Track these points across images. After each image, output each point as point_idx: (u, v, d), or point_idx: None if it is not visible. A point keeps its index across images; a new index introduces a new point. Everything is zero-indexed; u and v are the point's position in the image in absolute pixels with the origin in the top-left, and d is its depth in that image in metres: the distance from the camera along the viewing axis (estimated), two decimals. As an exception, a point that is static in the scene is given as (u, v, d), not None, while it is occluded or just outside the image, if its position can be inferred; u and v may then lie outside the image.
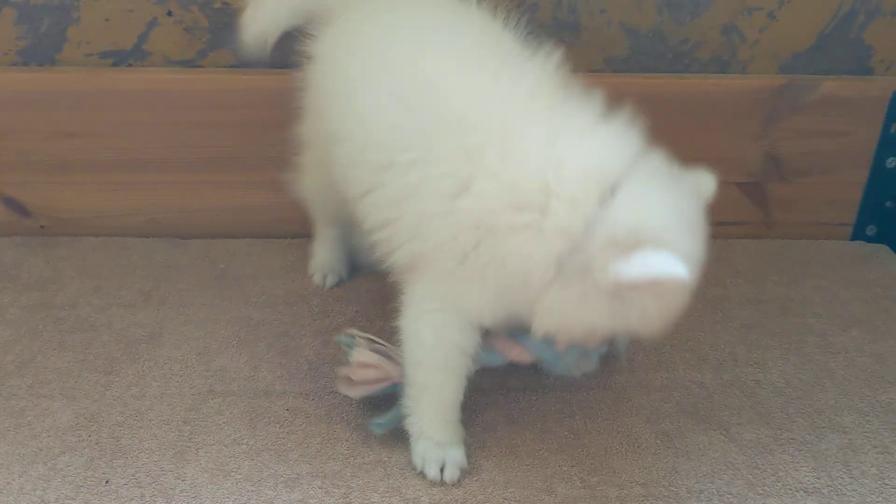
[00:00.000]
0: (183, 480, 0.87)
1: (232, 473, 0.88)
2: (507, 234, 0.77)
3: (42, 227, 1.24)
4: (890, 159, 1.27)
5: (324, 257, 1.18)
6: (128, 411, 0.96)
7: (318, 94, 0.97)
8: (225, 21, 1.15)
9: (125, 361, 1.03)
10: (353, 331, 0.94)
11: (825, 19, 1.20)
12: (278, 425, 0.94)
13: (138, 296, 1.14)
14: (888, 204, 1.30)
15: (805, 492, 0.90)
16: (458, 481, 0.88)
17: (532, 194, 0.77)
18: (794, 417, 0.99)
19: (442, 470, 0.88)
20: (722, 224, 1.30)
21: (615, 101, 1.21)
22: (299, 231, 1.21)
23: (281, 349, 1.05)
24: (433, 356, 0.87)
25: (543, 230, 0.76)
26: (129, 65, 1.17)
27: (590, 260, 0.75)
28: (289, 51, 1.17)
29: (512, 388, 1.02)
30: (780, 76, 1.23)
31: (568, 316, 0.80)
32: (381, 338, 0.93)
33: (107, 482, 0.87)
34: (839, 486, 0.91)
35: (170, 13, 1.14)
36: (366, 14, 0.94)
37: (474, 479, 0.89)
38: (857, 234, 1.33)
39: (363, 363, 0.91)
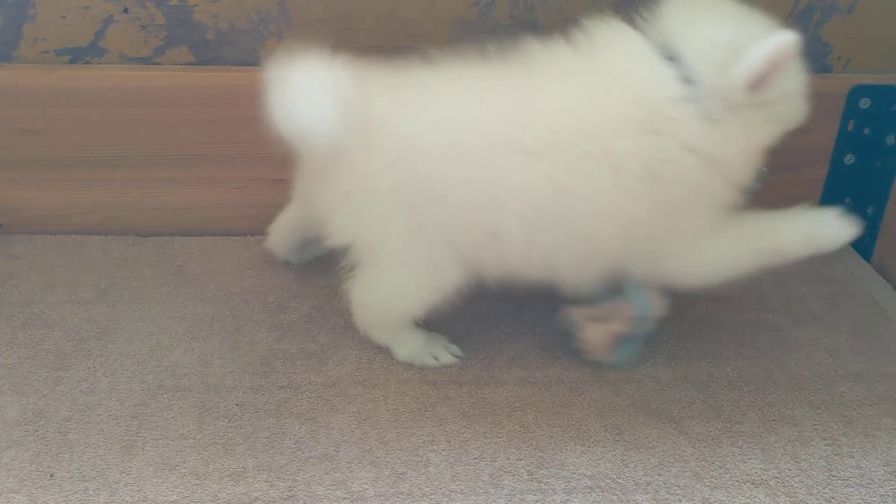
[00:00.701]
0: (128, 474, 0.87)
1: (178, 467, 0.88)
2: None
3: (0, 225, 1.23)
4: (848, 156, 1.28)
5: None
6: (76, 406, 0.95)
7: None
8: (182, 18, 1.15)
9: (76, 357, 1.02)
10: (568, 311, 1.04)
11: (782, 16, 1.20)
12: (227, 420, 0.94)
13: (93, 293, 1.13)
14: (847, 201, 1.31)
15: (752, 483, 0.90)
16: (403, 474, 0.88)
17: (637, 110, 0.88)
18: (744, 410, 1.00)
19: None
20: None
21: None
22: (257, 228, 1.21)
23: (233, 345, 1.05)
24: None
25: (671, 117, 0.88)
26: (87, 62, 1.17)
27: (717, 95, 0.87)
28: (246, 48, 1.18)
29: (465, 381, 1.02)
30: (737, 73, 1.23)
31: (742, 148, 0.92)
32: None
33: (51, 476, 0.86)
34: (786, 478, 0.91)
35: (126, 10, 1.14)
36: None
37: (421, 472, 0.89)
38: (818, 232, 1.33)
39: (595, 317, 1.03)
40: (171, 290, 1.15)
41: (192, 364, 1.02)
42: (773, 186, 1.28)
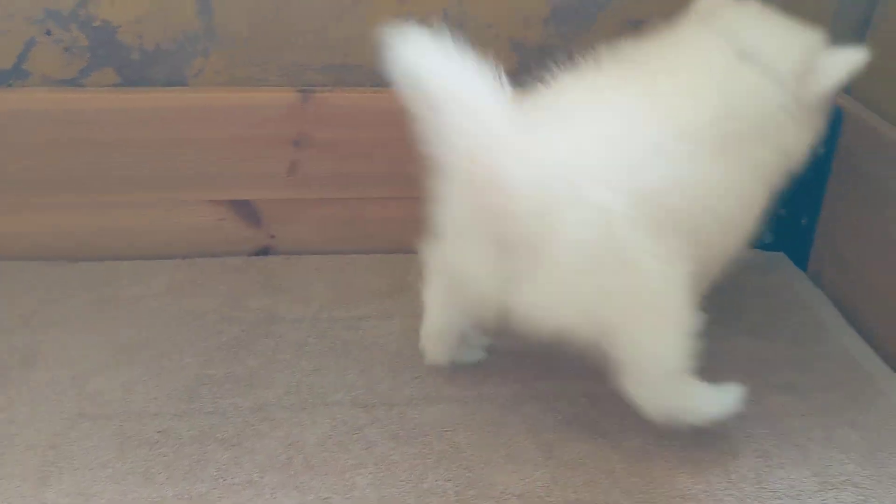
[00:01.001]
0: (41, 506, 0.85)
1: (94, 497, 0.85)
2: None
3: (-79, 252, 1.21)
4: (781, 168, 1.29)
5: None
6: (-10, 438, 0.93)
7: None
8: (105, 39, 1.13)
9: (-7, 387, 1.00)
10: None
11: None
12: (148, 447, 0.92)
13: (16, 320, 1.11)
14: (783, 211, 1.31)
15: (682, 497, 0.89)
16: (328, 499, 0.87)
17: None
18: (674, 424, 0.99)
19: None
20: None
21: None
22: (187, 251, 1.19)
23: (159, 370, 1.03)
24: None
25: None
26: (10, 85, 1.15)
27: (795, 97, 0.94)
28: (173, 68, 1.17)
29: (396, 402, 1.00)
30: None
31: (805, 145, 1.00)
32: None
33: (-43, 515, 0.84)
34: (716, 492, 0.90)
35: (48, 32, 1.12)
36: None
37: (346, 497, 0.87)
38: (756, 243, 1.34)
39: None
40: (98, 316, 1.12)
41: (114, 391, 0.99)
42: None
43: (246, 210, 1.22)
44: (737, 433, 0.98)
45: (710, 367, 1.07)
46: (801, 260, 1.31)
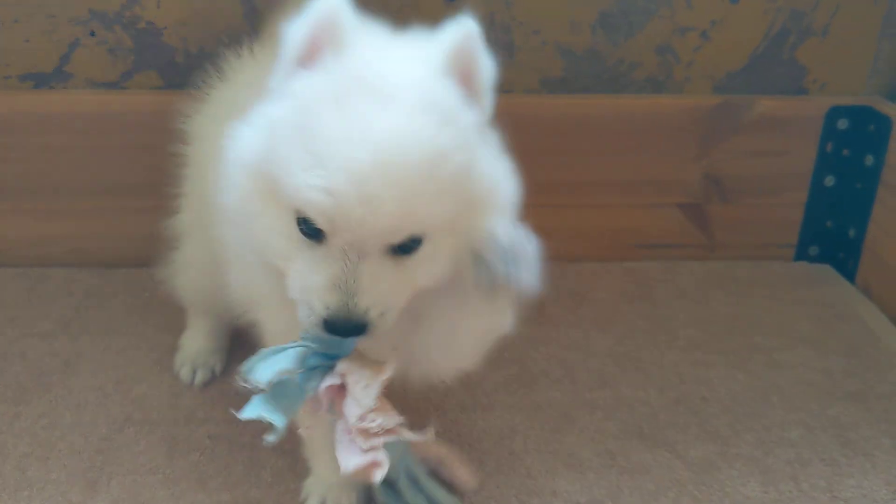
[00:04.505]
0: (91, 512, 0.81)
1: (146, 503, 0.82)
2: None
3: (-43, 257, 1.18)
4: (828, 178, 1.27)
5: (196, 349, 1.02)
6: (36, 442, 0.89)
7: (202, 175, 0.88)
8: (150, 41, 1.11)
9: (37, 391, 0.96)
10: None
11: (757, 39, 1.21)
12: (199, 453, 0.89)
13: (56, 325, 1.08)
14: (829, 224, 1.30)
15: (753, 506, 0.87)
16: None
17: None
18: (741, 434, 0.96)
19: None
20: (664, 246, 1.29)
21: (552, 121, 1.21)
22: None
23: (204, 376, 1.00)
24: None
25: None
26: (51, 87, 1.13)
27: None
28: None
29: (448, 408, 0.97)
30: (715, 96, 1.23)
31: None
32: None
33: (8, 515, 0.81)
34: (787, 500, 0.87)
35: (93, 34, 1.10)
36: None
37: None
38: (800, 255, 1.32)
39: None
40: (138, 322, 1.09)
41: (161, 396, 0.96)
42: (754, 211, 1.28)
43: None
44: (803, 443, 0.95)
45: (770, 378, 1.05)
46: (849, 273, 1.28)
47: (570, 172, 1.22)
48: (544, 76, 1.20)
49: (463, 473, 0.83)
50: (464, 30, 0.65)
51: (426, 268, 0.67)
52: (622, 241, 1.28)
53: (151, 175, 1.16)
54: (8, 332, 1.06)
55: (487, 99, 0.68)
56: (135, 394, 0.97)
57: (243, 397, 0.95)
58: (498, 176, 0.69)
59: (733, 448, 0.94)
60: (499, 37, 1.17)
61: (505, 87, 1.19)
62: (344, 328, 0.64)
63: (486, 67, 0.67)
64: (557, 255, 1.22)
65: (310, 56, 0.65)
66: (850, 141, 1.25)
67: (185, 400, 0.96)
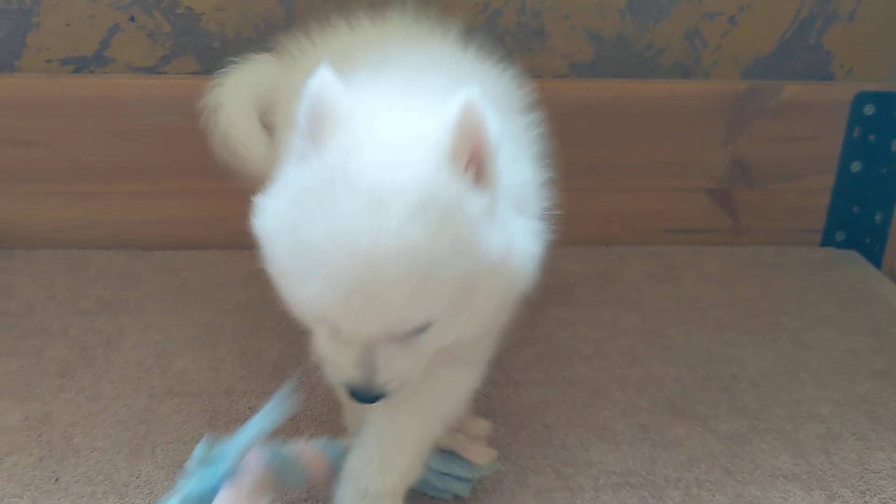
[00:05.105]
0: (137, 478, 0.83)
1: (189, 469, 0.84)
2: None
3: (-3, 239, 1.21)
4: (854, 164, 1.28)
5: None
6: (81, 412, 0.91)
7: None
8: (188, 26, 1.14)
9: (80, 365, 0.98)
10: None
11: (784, 24, 1.22)
12: (239, 423, 0.88)
13: (96, 304, 1.10)
14: (855, 209, 1.31)
15: (785, 478, 0.87)
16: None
17: None
18: (771, 409, 0.97)
19: None
20: (691, 231, 1.31)
21: (581, 106, 1.22)
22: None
23: (243, 351, 1.02)
24: None
25: None
26: (91, 71, 1.15)
27: None
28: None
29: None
30: (742, 81, 1.24)
31: None
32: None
33: (56, 480, 0.82)
34: (819, 473, 0.88)
35: (132, 19, 1.13)
36: None
37: (444, 471, 0.85)
38: (827, 241, 1.33)
39: None
40: (175, 301, 1.11)
41: (200, 370, 0.98)
42: (781, 196, 1.29)
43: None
44: (833, 418, 0.96)
45: (797, 356, 1.06)
46: (875, 257, 1.29)
47: (598, 157, 1.24)
48: (574, 61, 1.21)
49: (475, 454, 0.83)
50: (467, 102, 0.59)
51: (440, 340, 0.66)
52: (649, 225, 1.29)
53: (187, 159, 1.19)
54: (50, 309, 1.08)
55: (495, 170, 0.62)
56: (175, 368, 0.99)
57: (283, 372, 0.98)
58: (511, 241, 0.64)
59: (763, 422, 0.95)
60: (530, 22, 1.18)
61: (535, 73, 1.21)
62: (366, 398, 0.66)
63: (495, 138, 0.61)
64: (585, 238, 1.27)
65: (313, 136, 0.62)
66: (876, 126, 1.26)
67: (225, 374, 0.98)
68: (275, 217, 0.65)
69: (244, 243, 1.21)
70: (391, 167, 0.59)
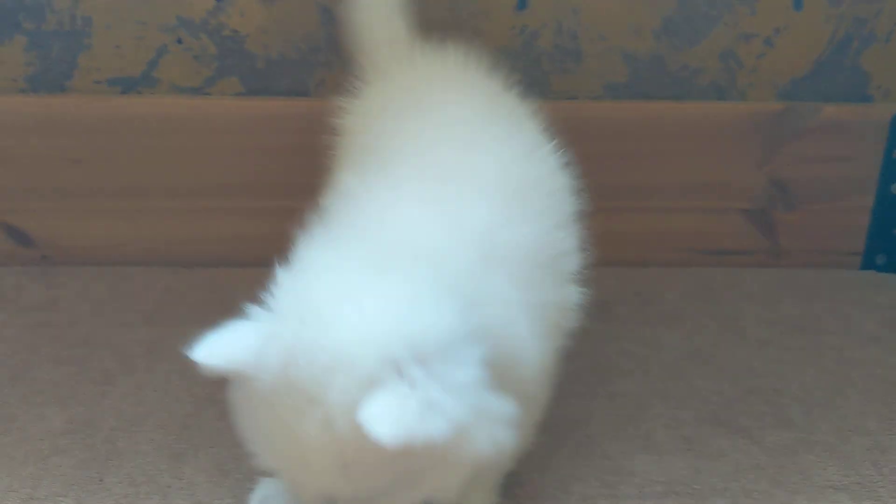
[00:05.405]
0: (180, 479, 0.83)
1: (231, 473, 0.84)
2: None
3: (43, 256, 1.22)
4: (894, 185, 1.27)
5: None
6: (124, 417, 0.92)
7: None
8: (233, 48, 1.17)
9: (122, 374, 0.99)
10: None
11: (821, 46, 1.23)
12: (280, 429, 0.91)
13: (138, 317, 1.11)
14: (895, 231, 1.29)
15: (834, 489, 0.86)
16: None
17: None
18: (817, 422, 0.96)
19: None
20: (729, 253, 1.30)
21: (616, 127, 1.23)
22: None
23: (284, 361, 1.02)
24: None
25: None
26: (138, 92, 1.18)
27: None
28: (295, 78, 1.20)
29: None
30: (778, 102, 1.24)
31: None
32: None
33: (100, 481, 0.83)
34: (869, 484, 0.86)
35: (179, 41, 1.16)
36: None
37: (486, 478, 0.85)
38: (867, 264, 1.31)
39: None
40: (218, 315, 1.11)
41: (242, 379, 0.99)
42: (819, 216, 1.28)
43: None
44: (881, 431, 0.94)
45: (842, 373, 1.05)
46: (917, 280, 1.28)
47: (633, 177, 1.24)
48: (608, 82, 1.23)
49: None
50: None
51: (406, 500, 0.63)
52: (686, 245, 1.29)
53: (228, 177, 1.21)
54: (94, 321, 1.10)
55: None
56: (216, 377, 0.99)
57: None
58: (462, 430, 0.57)
59: (810, 435, 0.93)
60: (566, 43, 1.20)
61: (570, 94, 1.23)
62: None
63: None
64: (621, 258, 1.26)
65: None
66: (915, 148, 1.25)
67: (266, 382, 0.98)
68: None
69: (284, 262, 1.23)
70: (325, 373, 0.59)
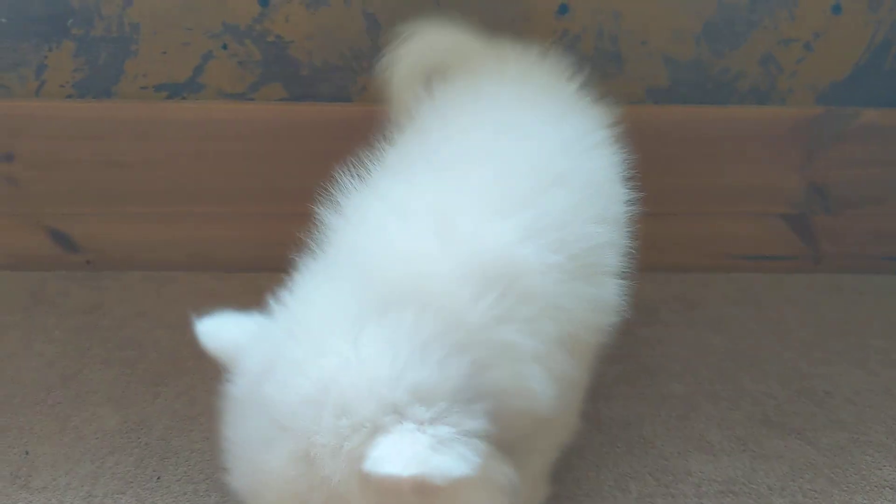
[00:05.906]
0: (238, 478, 0.84)
1: (288, 471, 0.84)
2: None
3: (88, 261, 1.23)
4: (934, 189, 1.27)
5: None
6: (177, 417, 0.93)
7: None
8: (277, 54, 1.18)
9: (173, 375, 1.00)
10: None
11: (859, 50, 1.23)
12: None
13: (183, 319, 1.11)
14: (936, 239, 1.29)
15: (892, 489, 0.85)
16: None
17: None
18: (869, 423, 0.95)
19: None
20: (769, 258, 1.30)
21: (657, 131, 1.24)
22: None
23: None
24: None
25: None
26: (184, 97, 1.19)
27: None
28: (338, 85, 1.21)
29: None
30: (818, 106, 1.24)
31: None
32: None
33: (158, 479, 0.83)
34: (928, 484, 0.86)
35: (224, 46, 1.17)
36: None
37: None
38: (907, 269, 1.31)
39: None
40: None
41: (292, 380, 0.99)
42: (860, 220, 1.28)
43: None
44: (936, 432, 0.94)
45: (891, 376, 1.04)
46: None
47: (674, 181, 1.24)
48: (650, 86, 1.23)
49: None
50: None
51: None
52: (726, 250, 1.29)
53: (272, 182, 1.22)
54: (140, 324, 1.10)
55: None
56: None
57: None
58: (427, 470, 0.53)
59: (863, 436, 0.93)
60: (607, 48, 1.20)
61: (612, 99, 1.23)
62: None
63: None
64: (663, 263, 1.26)
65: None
66: (955, 151, 1.25)
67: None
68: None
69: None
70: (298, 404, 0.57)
